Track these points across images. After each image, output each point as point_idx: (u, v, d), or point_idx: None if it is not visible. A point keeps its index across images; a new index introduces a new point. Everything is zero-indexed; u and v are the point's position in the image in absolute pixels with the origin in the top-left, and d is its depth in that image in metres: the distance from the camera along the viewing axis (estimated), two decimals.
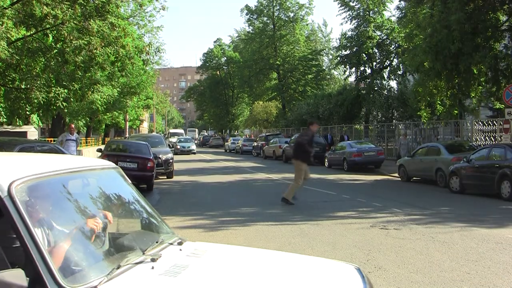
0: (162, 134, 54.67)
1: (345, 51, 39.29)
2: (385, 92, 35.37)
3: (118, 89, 26.37)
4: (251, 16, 54.94)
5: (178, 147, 39.26)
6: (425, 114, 24.10)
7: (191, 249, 2.76)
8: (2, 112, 16.54)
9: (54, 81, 14.20)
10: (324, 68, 56.30)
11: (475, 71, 18.14)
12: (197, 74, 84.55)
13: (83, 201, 2.72)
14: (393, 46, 37.55)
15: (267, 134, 40.97)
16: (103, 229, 2.51)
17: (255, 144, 38.66)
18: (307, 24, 55.92)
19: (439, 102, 22.71)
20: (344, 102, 36.14)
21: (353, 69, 39.21)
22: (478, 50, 17.07)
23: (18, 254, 2.42)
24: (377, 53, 38.75)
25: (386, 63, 38.85)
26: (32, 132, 26.96)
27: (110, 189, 3.07)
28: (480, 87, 19.56)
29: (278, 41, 53.01)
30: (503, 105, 17.92)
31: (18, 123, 22.97)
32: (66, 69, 13.34)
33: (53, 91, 13.76)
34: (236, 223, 9.03)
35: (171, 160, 18.52)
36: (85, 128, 38.49)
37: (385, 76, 38.64)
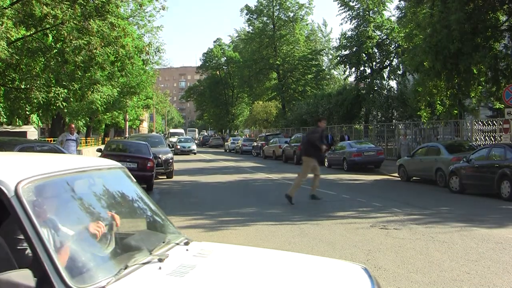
0: (162, 134, 54.64)
1: (345, 51, 39.32)
2: (385, 92, 35.37)
3: (118, 89, 26.36)
4: (251, 16, 54.96)
5: (178, 147, 38.91)
6: (425, 114, 24.12)
7: (198, 249, 2.76)
8: (2, 112, 16.54)
9: (54, 81, 14.19)
10: (324, 68, 56.30)
11: (475, 71, 18.14)
12: (197, 74, 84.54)
13: (90, 201, 2.72)
14: (393, 46, 37.58)
15: (267, 134, 40.97)
16: (109, 229, 2.51)
17: (255, 144, 38.65)
18: (307, 24, 55.98)
19: (439, 102, 22.72)
20: (344, 102, 36.15)
21: (353, 69, 39.26)
22: (478, 50, 17.07)
23: (21, 256, 2.42)
24: (377, 53, 38.78)
25: (386, 63, 38.87)
26: (32, 132, 26.99)
27: (117, 189, 3.07)
28: (480, 87, 19.57)
29: (278, 41, 53.01)
30: (503, 105, 17.92)
31: (18, 123, 23.00)
32: (66, 69, 13.34)
33: (53, 91, 13.75)
34: (236, 223, 9.03)
35: (171, 160, 18.51)
36: (85, 128, 38.50)
37: (385, 76, 38.70)
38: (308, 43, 55.52)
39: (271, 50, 53.72)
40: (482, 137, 20.14)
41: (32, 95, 13.44)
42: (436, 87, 20.01)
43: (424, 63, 18.97)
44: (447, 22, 17.11)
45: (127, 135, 38.88)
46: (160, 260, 2.38)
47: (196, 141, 49.79)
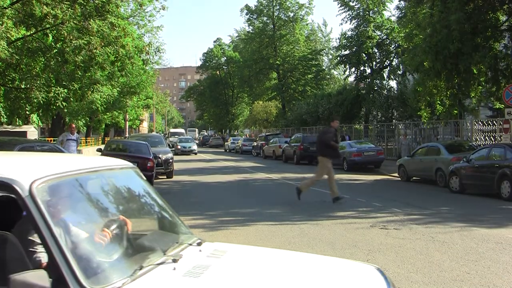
0: (162, 134, 54.63)
1: (345, 51, 39.32)
2: (385, 92, 35.39)
3: (118, 89, 26.37)
4: (251, 16, 54.96)
5: (179, 147, 38.50)
6: (425, 114, 24.12)
7: (211, 250, 2.75)
8: (2, 112, 16.54)
9: (54, 81, 14.19)
10: (324, 68, 56.32)
11: (475, 71, 18.14)
12: (197, 74, 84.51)
13: (103, 201, 2.72)
14: (393, 46, 37.57)
15: (267, 134, 40.94)
16: (121, 230, 2.49)
17: (255, 144, 38.63)
18: (307, 24, 56.00)
19: (439, 102, 22.71)
20: (344, 102, 36.16)
21: (353, 69, 39.25)
22: (478, 50, 17.07)
23: (31, 259, 2.41)
24: (377, 53, 38.77)
25: (386, 63, 38.87)
26: (32, 132, 27.01)
27: (129, 189, 3.07)
28: (480, 87, 19.57)
29: (278, 41, 53.02)
30: (503, 105, 17.92)
31: (18, 123, 23.00)
32: (66, 69, 13.34)
33: (53, 90, 13.76)
34: (236, 223, 9.03)
35: (171, 160, 18.52)
36: (85, 127, 38.51)
37: (385, 76, 38.71)
38: (308, 43, 55.53)
39: (271, 50, 53.72)
40: (482, 137, 20.15)
41: (32, 95, 13.43)
42: (436, 87, 20.01)
43: (424, 63, 18.97)
44: (447, 22, 17.11)
45: (127, 135, 38.89)
46: (174, 261, 2.37)
47: (196, 141, 49.69)
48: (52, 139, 22.79)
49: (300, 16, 52.93)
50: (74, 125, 15.89)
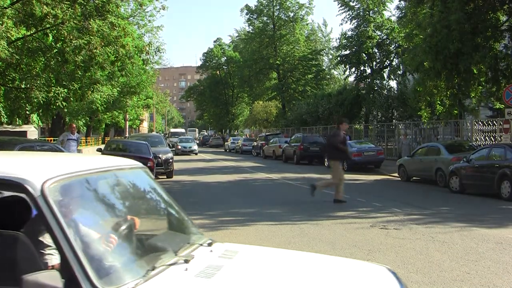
0: (162, 134, 54.63)
1: (345, 51, 39.28)
2: (385, 92, 35.36)
3: (118, 88, 26.39)
4: (251, 16, 54.95)
5: (179, 147, 38.28)
6: (425, 114, 24.11)
7: (222, 250, 2.74)
8: (2, 112, 16.53)
9: (54, 80, 14.19)
10: (324, 68, 56.30)
11: (475, 71, 18.13)
12: (197, 73, 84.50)
13: (113, 200, 2.71)
14: (393, 46, 37.54)
15: (267, 134, 40.93)
16: (130, 231, 2.48)
17: (255, 143, 38.62)
18: (307, 24, 55.97)
19: (439, 102, 22.70)
20: (344, 102, 36.15)
21: (353, 69, 39.20)
22: (478, 50, 17.06)
23: (40, 260, 2.41)
24: (377, 53, 38.74)
25: (386, 63, 38.85)
26: (32, 132, 26.99)
27: (139, 189, 3.06)
28: (480, 87, 19.56)
29: (278, 41, 53.01)
30: (503, 105, 17.92)
31: (18, 123, 23.00)
32: (66, 68, 13.33)
33: (53, 90, 13.75)
34: (235, 223, 9.03)
35: (171, 160, 18.52)
36: (85, 127, 38.53)
37: (385, 76, 38.67)
38: (308, 43, 55.51)
39: (271, 50, 53.72)
40: (482, 137, 20.14)
41: (32, 95, 13.43)
42: (436, 87, 20.00)
43: (424, 63, 18.96)
44: (447, 22, 17.10)
45: (127, 135, 38.91)
46: (186, 261, 2.36)
47: (196, 141, 49.68)
48: (52, 139, 22.81)
49: (300, 16, 52.93)
50: (74, 125, 15.90)
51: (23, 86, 13.89)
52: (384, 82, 37.82)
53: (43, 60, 13.39)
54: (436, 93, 20.41)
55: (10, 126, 23.50)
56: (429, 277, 5.40)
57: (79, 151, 18.87)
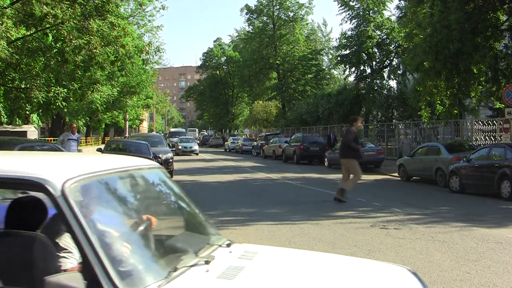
0: (162, 134, 54.62)
1: (345, 50, 39.29)
2: (385, 91, 35.34)
3: (118, 88, 26.39)
4: (251, 15, 54.96)
5: (180, 147, 37.93)
6: (425, 113, 24.09)
7: (241, 251, 2.72)
8: (2, 112, 16.52)
9: (54, 80, 14.18)
10: (324, 67, 56.31)
11: (475, 70, 18.13)
12: (197, 73, 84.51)
13: (132, 201, 2.70)
14: (393, 46, 37.54)
15: (267, 133, 40.92)
16: (147, 231, 2.46)
17: (255, 143, 38.61)
18: (307, 24, 55.99)
19: (439, 102, 22.70)
20: (344, 102, 36.14)
21: (353, 69, 39.20)
22: (478, 50, 17.06)
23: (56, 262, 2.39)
24: (377, 53, 38.73)
25: (386, 62, 38.85)
26: (32, 132, 26.97)
27: (157, 189, 3.06)
28: (480, 86, 19.55)
29: (278, 40, 53.02)
30: (503, 105, 17.91)
31: (18, 123, 22.99)
32: (66, 68, 13.33)
33: (52, 90, 13.74)
34: (236, 223, 9.02)
35: (171, 160, 18.53)
36: (85, 127, 38.52)
37: (385, 75, 38.66)
38: (308, 43, 55.52)
39: (271, 49, 53.73)
40: (482, 137, 20.14)
41: (32, 95, 13.42)
42: (436, 86, 20.00)
43: (424, 63, 18.96)
44: (447, 22, 17.10)
45: (127, 135, 38.91)
46: (207, 262, 2.34)
47: (196, 141, 49.65)
48: (52, 139, 22.81)
49: (300, 16, 52.94)
50: (75, 125, 15.90)
51: (23, 86, 13.88)
52: (384, 82, 37.83)
53: (43, 60, 13.39)
54: (436, 93, 20.41)
55: (10, 126, 23.48)
56: (429, 277, 5.40)
57: (79, 151, 18.86)
